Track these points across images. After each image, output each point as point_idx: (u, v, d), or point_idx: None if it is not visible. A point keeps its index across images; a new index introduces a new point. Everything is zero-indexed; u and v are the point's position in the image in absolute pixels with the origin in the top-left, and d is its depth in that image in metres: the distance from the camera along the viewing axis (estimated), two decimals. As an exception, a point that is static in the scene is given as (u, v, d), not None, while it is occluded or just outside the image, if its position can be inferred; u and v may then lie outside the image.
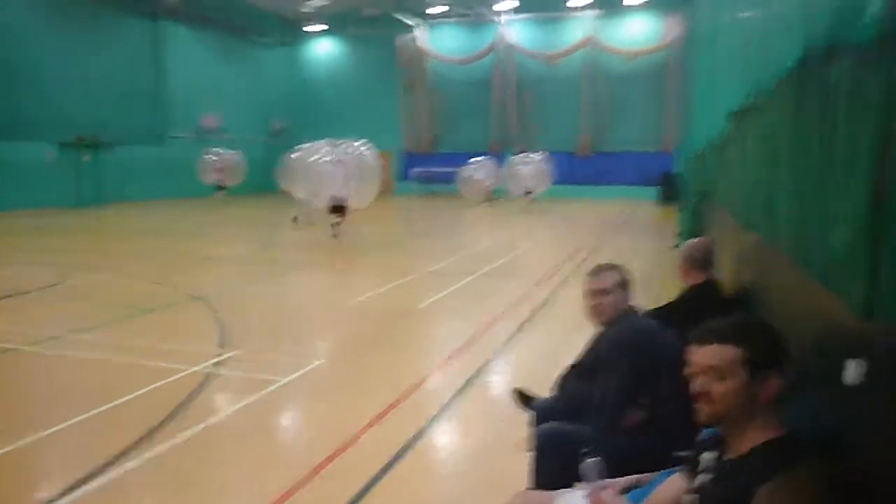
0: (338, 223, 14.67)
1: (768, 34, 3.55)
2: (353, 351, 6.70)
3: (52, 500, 3.56)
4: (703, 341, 1.87)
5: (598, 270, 3.33)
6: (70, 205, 22.65)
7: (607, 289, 3.24)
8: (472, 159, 26.71)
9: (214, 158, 26.34)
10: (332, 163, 14.56)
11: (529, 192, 25.00)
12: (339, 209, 14.55)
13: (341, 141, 15.20)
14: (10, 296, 8.79)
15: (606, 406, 3.03)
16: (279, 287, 9.89)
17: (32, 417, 4.80)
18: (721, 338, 1.84)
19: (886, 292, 1.54)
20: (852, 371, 1.63)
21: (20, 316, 7.82)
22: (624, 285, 3.26)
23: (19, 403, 5.16)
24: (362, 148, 15.19)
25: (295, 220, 17.26)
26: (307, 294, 9.63)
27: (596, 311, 3.27)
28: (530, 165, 25.37)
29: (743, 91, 4.47)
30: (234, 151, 27.31)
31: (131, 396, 5.09)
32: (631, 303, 3.27)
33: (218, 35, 30.50)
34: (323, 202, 14.54)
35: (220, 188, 26.51)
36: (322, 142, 15.37)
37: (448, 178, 29.92)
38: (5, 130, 21.12)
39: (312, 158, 14.80)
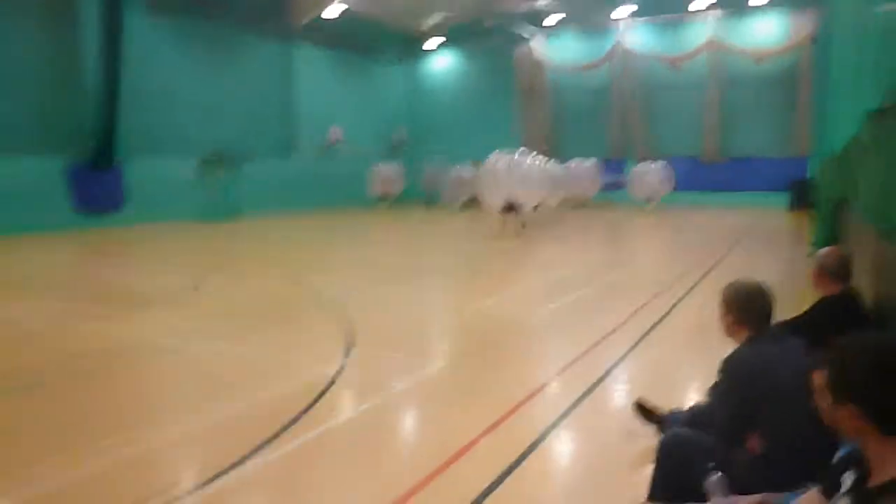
0: (514, 220, 17.63)
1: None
2: (469, 358, 6.74)
3: (178, 498, 3.79)
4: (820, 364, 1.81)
5: (724, 289, 3.21)
6: (208, 218, 24.17)
7: (724, 310, 3.14)
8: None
9: (382, 169, 29.44)
10: (506, 169, 17.43)
11: (651, 200, 24.36)
12: (510, 208, 17.49)
13: (515, 152, 18.21)
14: (153, 300, 9.49)
15: (719, 435, 2.93)
16: (401, 291, 10.10)
17: (164, 414, 5.16)
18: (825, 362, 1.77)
19: None
20: None
21: (159, 318, 8.42)
22: (737, 304, 3.10)
23: (154, 400, 5.56)
24: (533, 158, 18.37)
25: (523, 226, 18.49)
26: (430, 300, 9.79)
27: (724, 331, 3.18)
28: (651, 173, 24.84)
29: (882, 91, 4.17)
30: (396, 164, 29.99)
31: (259, 396, 5.37)
32: (754, 321, 3.09)
33: (342, 54, 31.77)
34: (498, 202, 17.54)
35: (384, 197, 29.45)
36: (498, 153, 18.26)
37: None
38: (147, 150, 22.85)
39: (491, 166, 17.82)
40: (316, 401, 5.23)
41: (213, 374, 6.15)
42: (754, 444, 2.89)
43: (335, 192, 30.54)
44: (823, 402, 1.80)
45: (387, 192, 30.19)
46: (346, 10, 28.61)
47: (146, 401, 5.52)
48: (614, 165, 30.68)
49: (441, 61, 36.24)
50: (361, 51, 32.91)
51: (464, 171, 28.63)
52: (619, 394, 5.60)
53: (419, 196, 32.36)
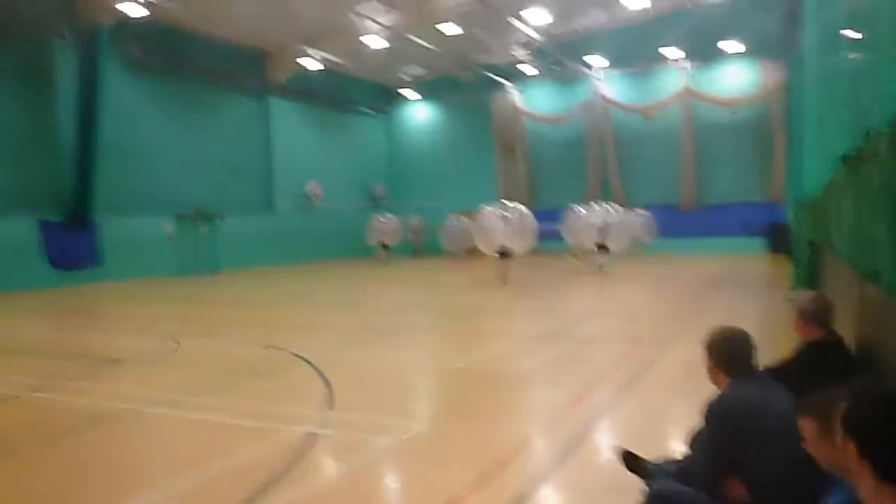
0: (506, 267, 19.31)
1: (879, 77, 3.38)
2: (453, 415, 6.64)
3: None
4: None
5: (706, 336, 3.25)
6: (186, 274, 23.98)
7: (706, 356, 3.18)
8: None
9: (382, 221, 30.51)
10: (500, 219, 19.55)
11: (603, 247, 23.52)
12: (504, 254, 19.41)
13: (509, 204, 20.11)
14: (125, 360, 9.29)
15: (700, 477, 2.92)
16: (382, 350, 10.00)
17: (139, 478, 4.99)
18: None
19: None
20: None
21: (133, 379, 8.23)
22: (719, 350, 3.14)
23: (130, 464, 5.38)
24: (522, 208, 20.08)
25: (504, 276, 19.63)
26: (412, 358, 9.68)
27: (708, 377, 3.21)
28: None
29: (854, 135, 4.26)
30: (393, 216, 30.81)
31: (235, 459, 5.22)
32: (735, 367, 3.11)
33: (320, 109, 32.16)
34: (492, 250, 19.57)
35: (384, 247, 30.16)
36: (492, 205, 20.42)
37: (548, 235, 30.03)
38: (125, 208, 22.76)
39: (485, 217, 20.02)
40: (294, 464, 5.09)
41: (187, 438, 5.98)
42: (736, 489, 2.89)
43: (316, 246, 30.60)
44: (823, 438, 1.95)
45: (384, 243, 30.68)
46: (322, 66, 29.06)
47: (116, 467, 5.34)
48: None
49: (419, 112, 36.80)
50: (339, 105, 33.36)
51: (455, 222, 30.04)
52: (606, 446, 5.53)
53: (405, 248, 32.51)
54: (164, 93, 25.07)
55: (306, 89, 30.41)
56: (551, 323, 12.07)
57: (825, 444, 2.01)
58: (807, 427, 2.27)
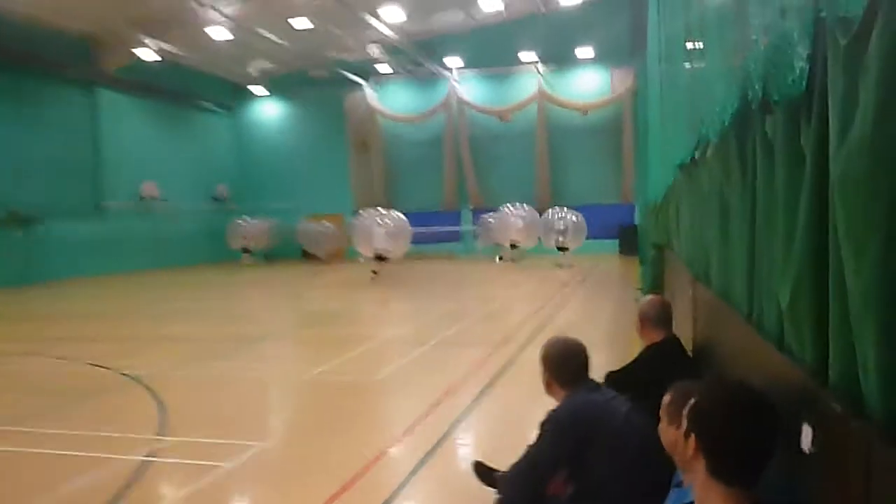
0: (379, 268, 21.10)
1: (710, 87, 3.67)
2: (304, 430, 6.53)
3: None
4: None
5: (542, 348, 3.37)
6: (5, 284, 21.99)
7: (542, 368, 3.32)
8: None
9: (242, 224, 31.18)
10: (377, 224, 21.58)
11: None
12: (381, 258, 21.24)
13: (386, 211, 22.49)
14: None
15: (522, 472, 3.09)
16: (226, 364, 9.64)
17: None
18: None
19: (836, 355, 1.54)
20: (806, 437, 1.62)
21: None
22: (553, 363, 3.28)
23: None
24: (399, 214, 22.36)
25: (374, 272, 21.40)
26: (258, 370, 9.40)
27: (544, 389, 3.34)
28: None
29: (690, 144, 4.59)
30: (259, 219, 31.55)
31: (59, 493, 4.85)
32: (569, 378, 3.26)
33: (158, 102, 30.49)
34: (370, 253, 21.39)
35: (245, 251, 30.99)
36: (371, 210, 22.78)
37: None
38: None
39: (365, 221, 22.04)
40: (124, 495, 4.79)
41: (3, 473, 5.48)
42: (559, 487, 3.06)
43: (156, 252, 29.04)
44: (672, 425, 2.04)
45: (246, 247, 31.27)
46: (161, 57, 27.62)
47: None
48: (450, 216, 31.80)
49: (268, 109, 35.82)
50: (180, 99, 31.80)
51: (315, 225, 30.88)
52: (462, 452, 5.64)
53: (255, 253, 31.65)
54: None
55: (142, 82, 28.74)
56: (410, 327, 12.15)
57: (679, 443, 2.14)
58: (664, 429, 2.40)
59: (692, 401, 1.89)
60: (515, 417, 6.50)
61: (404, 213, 23.89)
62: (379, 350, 10.32)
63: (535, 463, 3.08)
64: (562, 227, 25.03)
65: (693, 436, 1.80)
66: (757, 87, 2.16)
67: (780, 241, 1.98)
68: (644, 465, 2.87)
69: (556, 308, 13.64)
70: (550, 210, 26.69)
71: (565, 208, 26.34)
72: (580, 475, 3.09)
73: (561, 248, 24.87)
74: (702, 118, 3.93)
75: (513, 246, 26.46)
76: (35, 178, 24.34)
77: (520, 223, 26.55)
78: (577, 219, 25.36)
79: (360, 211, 22.91)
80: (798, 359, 1.87)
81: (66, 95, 26.25)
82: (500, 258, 27.45)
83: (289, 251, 32.41)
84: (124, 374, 8.67)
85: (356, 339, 11.10)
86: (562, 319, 12.21)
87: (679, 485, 2.47)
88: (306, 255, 32.10)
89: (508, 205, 27.53)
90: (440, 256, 29.53)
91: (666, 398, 2.42)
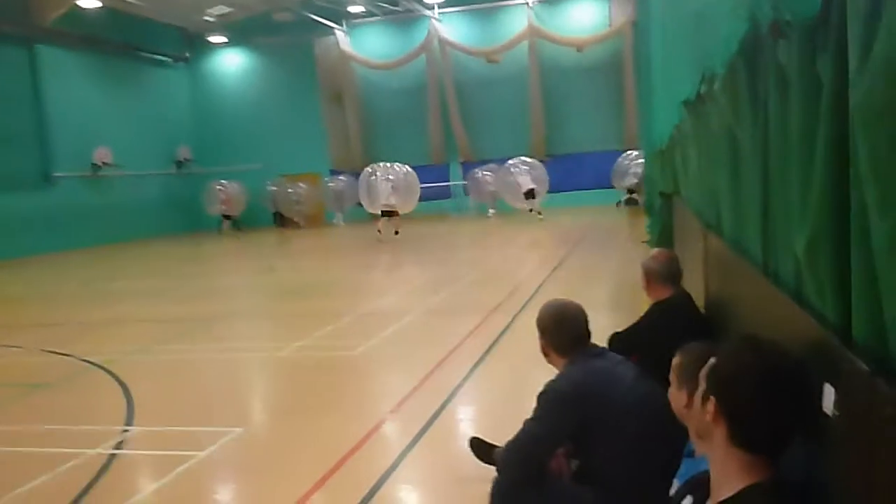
0: (387, 226, 21.97)
1: (716, 10, 3.59)
2: (284, 411, 6.54)
3: None
4: None
5: (538, 312, 3.36)
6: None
7: (539, 334, 3.30)
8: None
9: (219, 189, 31.38)
10: (384, 179, 22.75)
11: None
12: (389, 213, 22.17)
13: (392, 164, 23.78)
14: None
15: (520, 448, 3.11)
16: (196, 345, 9.63)
17: None
18: None
19: (860, 309, 1.51)
20: (829, 399, 1.60)
21: None
22: (550, 330, 3.27)
23: None
24: (406, 167, 23.80)
25: (396, 232, 22.24)
26: (229, 350, 9.40)
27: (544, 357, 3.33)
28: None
29: (696, 78, 4.52)
30: (236, 183, 31.83)
31: (19, 492, 4.84)
32: (567, 344, 3.25)
33: (105, 56, 29.96)
34: (378, 209, 22.48)
35: (226, 217, 31.41)
36: (377, 164, 24.01)
37: None
38: None
39: (370, 177, 23.38)
40: (90, 492, 4.80)
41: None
42: (561, 464, 3.08)
43: (113, 225, 28.79)
44: (683, 389, 2.19)
45: (227, 213, 31.64)
46: (103, 4, 27.01)
47: None
48: (438, 171, 31.59)
49: (229, 60, 35.23)
50: (129, 52, 31.24)
51: (291, 186, 31.53)
52: (458, 428, 5.67)
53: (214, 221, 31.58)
54: None
55: (86, 34, 28.22)
56: (395, 295, 12.14)
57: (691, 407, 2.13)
58: (675, 394, 2.39)
59: (713, 361, 1.87)
60: (515, 389, 6.52)
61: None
62: (361, 321, 10.32)
63: (535, 438, 3.09)
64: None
65: (713, 399, 1.78)
66: (766, 7, 2.10)
67: (796, 182, 1.94)
68: (655, 436, 2.88)
69: (556, 267, 13.64)
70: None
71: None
72: (584, 450, 3.09)
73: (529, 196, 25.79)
74: (707, 47, 3.86)
75: (529, 196, 25.89)
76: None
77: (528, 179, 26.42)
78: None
79: (369, 167, 24.37)
80: (818, 313, 1.84)
81: (0, 54, 25.72)
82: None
83: (260, 217, 32.27)
84: (85, 361, 8.65)
85: (336, 311, 11.09)
86: (560, 280, 12.22)
87: (691, 454, 2.47)
88: (280, 221, 32.08)
89: (515, 161, 27.45)
90: (430, 216, 29.40)
91: (676, 360, 2.41)
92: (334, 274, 16.55)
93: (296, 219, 31.42)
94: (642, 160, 24.51)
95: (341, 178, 31.17)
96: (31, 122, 26.69)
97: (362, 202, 24.25)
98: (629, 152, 28.02)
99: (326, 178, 31.71)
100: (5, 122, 25.33)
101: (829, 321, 1.75)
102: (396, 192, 22.52)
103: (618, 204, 28.49)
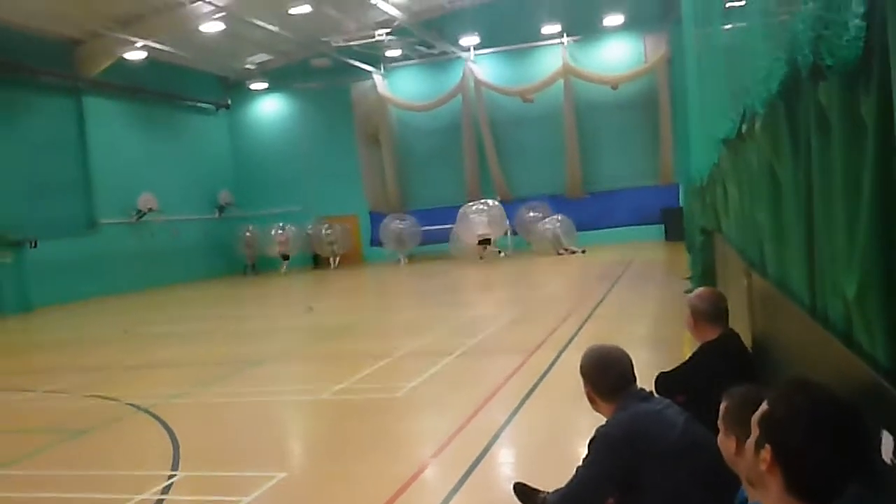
0: (484, 251, 27.72)
1: (754, 51, 3.59)
2: (326, 456, 6.54)
3: None
4: None
5: (581, 358, 3.35)
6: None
7: (583, 381, 3.29)
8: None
9: (280, 232, 32.41)
10: (477, 213, 28.12)
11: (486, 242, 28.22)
12: (485, 241, 27.53)
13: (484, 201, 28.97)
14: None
15: (570, 496, 3.12)
16: (238, 388, 9.70)
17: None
18: None
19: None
20: (887, 446, 1.57)
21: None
22: (594, 375, 3.25)
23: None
24: (496, 202, 29.11)
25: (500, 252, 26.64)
26: (270, 393, 9.45)
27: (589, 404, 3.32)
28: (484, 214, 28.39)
29: (735, 116, 4.51)
30: (293, 226, 32.69)
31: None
32: (613, 389, 3.22)
33: (149, 105, 30.72)
34: (473, 240, 27.82)
35: (285, 258, 32.16)
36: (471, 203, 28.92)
37: (425, 238, 30.89)
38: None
39: (467, 212, 28.49)
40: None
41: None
42: None
43: (155, 269, 29.22)
44: (731, 435, 2.20)
45: (284, 254, 32.34)
46: (147, 55, 27.79)
47: None
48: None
49: (268, 105, 35.89)
50: (170, 100, 32.04)
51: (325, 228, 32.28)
52: (502, 473, 5.60)
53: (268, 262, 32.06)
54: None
55: (129, 84, 29.02)
56: (433, 336, 12.12)
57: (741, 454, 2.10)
58: (724, 440, 2.36)
59: (765, 408, 1.84)
60: (558, 432, 6.46)
61: (421, 211, 23.96)
62: (401, 363, 10.31)
63: (585, 485, 3.06)
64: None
65: (768, 448, 1.75)
66: (806, 50, 2.10)
67: (842, 224, 1.93)
68: (706, 483, 2.83)
69: (598, 303, 13.53)
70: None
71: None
72: (634, 497, 3.04)
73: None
74: (746, 86, 3.86)
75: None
76: (19, 197, 24.56)
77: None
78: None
79: (466, 203, 29.13)
80: (869, 355, 1.81)
81: (48, 104, 26.50)
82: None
83: (298, 257, 32.63)
84: (130, 405, 8.75)
85: (375, 352, 11.10)
86: (599, 319, 12.12)
87: (744, 503, 2.42)
88: (319, 261, 32.60)
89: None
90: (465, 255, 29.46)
91: (724, 405, 2.37)
92: (372, 314, 16.60)
93: (332, 257, 32.07)
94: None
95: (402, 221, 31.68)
96: (78, 170, 27.41)
97: (459, 234, 28.58)
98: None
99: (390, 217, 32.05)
100: (53, 170, 26.05)
101: (882, 365, 1.72)
102: (490, 224, 27.62)
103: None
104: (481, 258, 27.87)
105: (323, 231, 32.35)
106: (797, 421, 1.73)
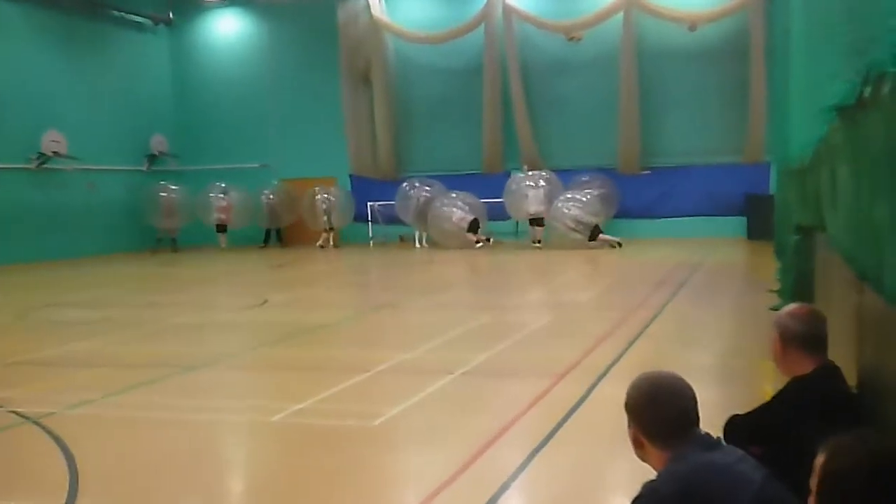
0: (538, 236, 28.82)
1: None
2: (273, 499, 6.56)
3: None
4: None
5: (627, 392, 3.34)
6: None
7: (628, 420, 3.26)
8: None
9: (220, 196, 33.17)
10: (531, 186, 29.04)
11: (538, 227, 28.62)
12: (536, 221, 28.74)
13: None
14: None
15: None
16: (162, 400, 9.71)
17: None
18: None
19: None
20: None
21: None
22: (644, 414, 3.23)
23: None
24: (550, 175, 29.93)
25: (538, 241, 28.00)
26: (205, 409, 9.47)
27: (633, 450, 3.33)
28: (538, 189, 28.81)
29: (854, 73, 4.48)
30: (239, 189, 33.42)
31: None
32: (668, 433, 3.21)
33: (64, 14, 30.65)
34: (523, 216, 29.47)
35: (220, 229, 33.15)
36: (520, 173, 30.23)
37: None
38: None
39: (516, 185, 29.78)
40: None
41: None
42: None
43: (57, 234, 29.25)
44: None
45: (222, 222, 33.38)
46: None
47: None
48: (497, 183, 31.46)
49: (226, 25, 35.83)
50: (94, 8, 31.93)
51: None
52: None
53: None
54: None
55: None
56: (428, 347, 12.12)
57: None
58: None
59: (821, 461, 1.98)
60: (589, 484, 6.46)
61: (421, 177, 23.83)
62: (384, 379, 10.33)
63: None
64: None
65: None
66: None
67: None
68: None
69: (647, 320, 13.52)
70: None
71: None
72: None
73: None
74: (873, 35, 3.83)
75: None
76: None
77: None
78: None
79: (516, 173, 30.55)
80: None
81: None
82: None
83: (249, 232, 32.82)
84: (14, 413, 8.78)
85: (351, 363, 11.12)
86: (652, 339, 12.11)
87: None
88: (273, 237, 33.39)
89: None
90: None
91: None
92: (348, 312, 16.62)
93: (324, 235, 32.36)
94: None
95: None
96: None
97: (508, 210, 29.96)
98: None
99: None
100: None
101: None
102: (543, 200, 28.41)
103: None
104: (479, 244, 28.68)
105: (317, 197, 32.24)
106: (848, 472, 1.89)
